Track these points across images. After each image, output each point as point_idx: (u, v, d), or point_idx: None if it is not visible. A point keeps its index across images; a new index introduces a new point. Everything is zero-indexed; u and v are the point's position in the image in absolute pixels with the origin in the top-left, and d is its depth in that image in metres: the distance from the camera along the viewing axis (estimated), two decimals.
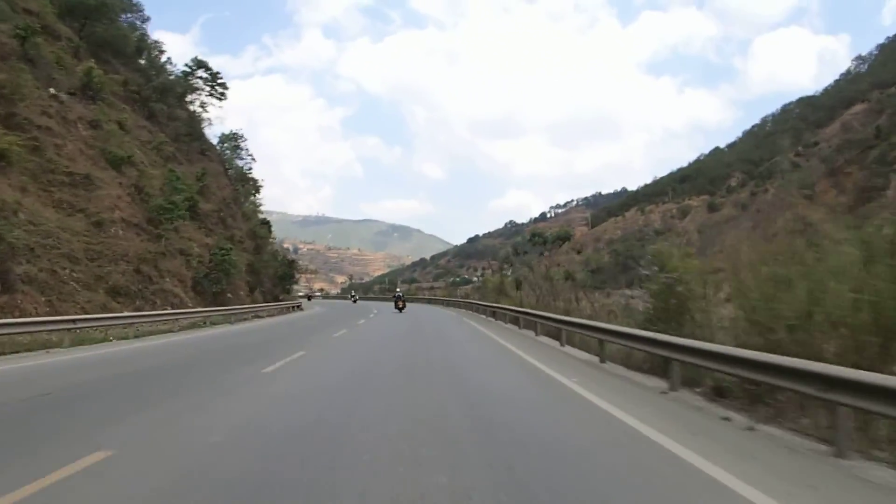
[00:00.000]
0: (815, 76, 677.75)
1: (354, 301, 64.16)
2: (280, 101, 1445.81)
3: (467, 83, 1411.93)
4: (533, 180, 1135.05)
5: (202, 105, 33.55)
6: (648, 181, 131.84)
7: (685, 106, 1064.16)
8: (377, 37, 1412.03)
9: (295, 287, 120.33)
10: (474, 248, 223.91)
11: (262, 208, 44.66)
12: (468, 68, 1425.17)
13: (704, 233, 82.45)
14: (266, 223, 44.99)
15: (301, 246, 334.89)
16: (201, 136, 33.06)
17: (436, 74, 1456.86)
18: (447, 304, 44.43)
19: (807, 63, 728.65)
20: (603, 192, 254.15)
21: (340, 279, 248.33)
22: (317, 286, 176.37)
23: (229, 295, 26.67)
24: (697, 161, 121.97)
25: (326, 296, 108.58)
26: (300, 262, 62.10)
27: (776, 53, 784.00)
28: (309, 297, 75.75)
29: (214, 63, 34.90)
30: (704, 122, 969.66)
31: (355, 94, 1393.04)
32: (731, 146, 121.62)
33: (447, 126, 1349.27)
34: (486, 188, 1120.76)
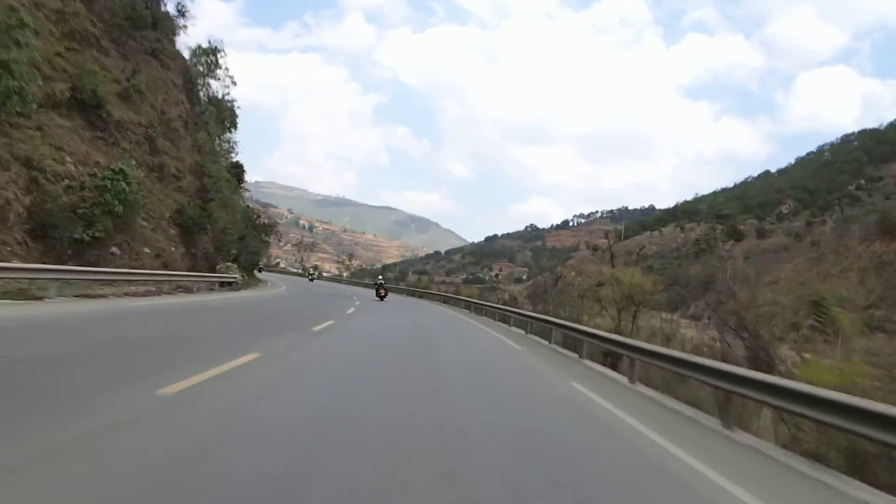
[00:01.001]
0: (857, 119, 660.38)
1: (311, 279, 61.62)
2: (314, 81, 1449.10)
3: (502, 85, 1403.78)
4: (556, 189, 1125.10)
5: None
6: (679, 201, 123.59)
7: (720, 134, 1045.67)
8: (419, 27, 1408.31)
9: (275, 260, 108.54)
10: (491, 248, 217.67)
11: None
12: (505, 70, 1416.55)
13: (752, 259, 74.54)
14: (238, 168, 36.20)
15: (317, 224, 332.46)
16: (160, 39, 24.64)
17: (472, 72, 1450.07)
18: (457, 304, 34.75)
19: (850, 105, 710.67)
20: (630, 207, 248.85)
21: (353, 263, 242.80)
22: (326, 266, 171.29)
23: (114, 250, 17.29)
24: (745, 182, 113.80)
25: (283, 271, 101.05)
26: (277, 224, 48.89)
27: (819, 91, 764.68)
28: (260, 269, 69.50)
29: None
30: (737, 152, 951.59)
31: (390, 82, 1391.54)
32: (782, 172, 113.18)
33: (477, 125, 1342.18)
34: (508, 192, 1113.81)
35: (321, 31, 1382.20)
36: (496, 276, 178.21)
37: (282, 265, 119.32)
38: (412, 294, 45.88)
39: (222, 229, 27.33)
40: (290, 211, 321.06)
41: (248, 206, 40.07)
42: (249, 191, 42.58)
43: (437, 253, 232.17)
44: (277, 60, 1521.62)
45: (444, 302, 36.16)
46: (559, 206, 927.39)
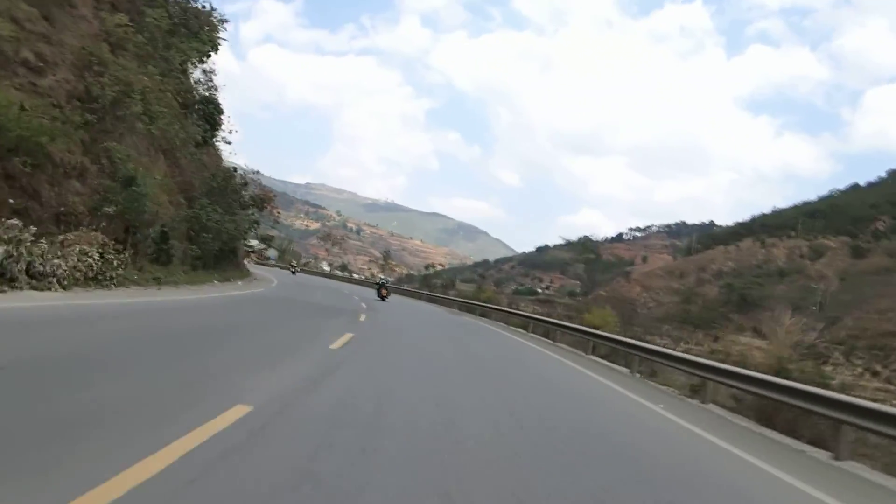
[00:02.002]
0: None
1: (294, 272, 62.78)
2: (369, 83, 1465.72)
3: (557, 93, 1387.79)
4: (607, 202, 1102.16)
5: None
6: (738, 220, 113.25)
7: (781, 150, 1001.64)
8: (475, 32, 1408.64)
9: (264, 249, 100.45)
10: (541, 259, 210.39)
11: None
12: (560, 78, 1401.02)
13: (851, 281, 65.18)
14: (212, 106, 27.72)
15: (365, 228, 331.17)
16: None
17: (526, 79, 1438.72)
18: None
19: None
20: (687, 222, 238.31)
21: (397, 268, 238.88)
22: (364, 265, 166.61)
23: None
24: (830, 196, 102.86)
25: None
26: (275, 197, 38.14)
27: (890, 109, 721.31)
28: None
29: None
30: (799, 169, 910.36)
31: (443, 87, 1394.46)
32: (873, 185, 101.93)
33: (530, 133, 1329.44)
34: (559, 202, 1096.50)
35: (377, 34, 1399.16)
36: (547, 288, 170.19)
37: (324, 266, 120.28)
38: (467, 309, 33.45)
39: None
40: (338, 213, 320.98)
41: (231, 170, 30.42)
42: (231, 143, 32.43)
43: (485, 261, 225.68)
44: (333, 62, 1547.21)
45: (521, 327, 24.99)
46: (609, 218, 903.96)
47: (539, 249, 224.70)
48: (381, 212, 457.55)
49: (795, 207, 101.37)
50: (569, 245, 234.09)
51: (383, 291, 30.53)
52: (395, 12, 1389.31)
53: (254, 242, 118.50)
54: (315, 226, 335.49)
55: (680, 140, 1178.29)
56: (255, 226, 27.57)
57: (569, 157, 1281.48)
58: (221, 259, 25.69)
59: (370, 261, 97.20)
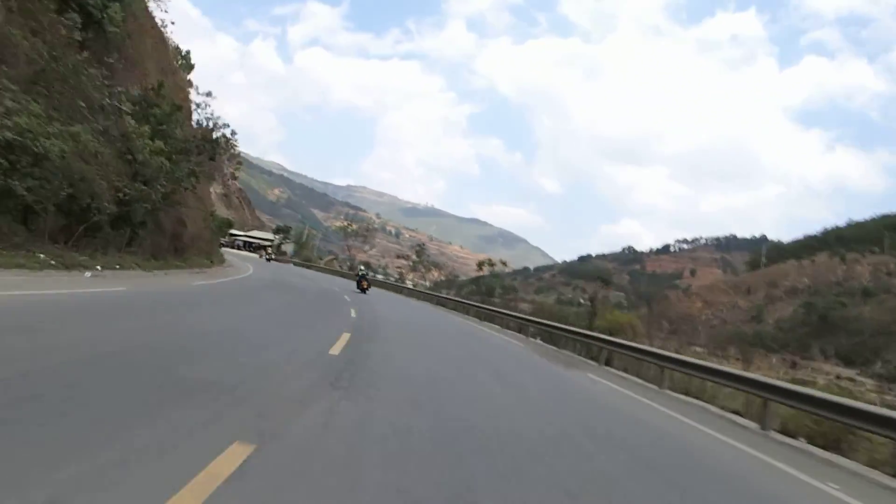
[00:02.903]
0: None
1: (268, 260, 63.06)
2: (412, 87, 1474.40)
3: (601, 100, 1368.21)
4: (649, 212, 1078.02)
5: None
6: (830, 226, 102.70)
7: (832, 164, 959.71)
8: (519, 38, 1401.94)
9: (279, 244, 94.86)
10: (583, 268, 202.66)
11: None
12: (605, 85, 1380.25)
13: None
14: (187, 60, 25.27)
15: (404, 231, 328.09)
16: None
17: (571, 86, 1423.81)
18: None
19: None
20: (738, 236, 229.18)
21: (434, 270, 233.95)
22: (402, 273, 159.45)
23: None
24: None
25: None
26: (235, 147, 35.14)
27: None
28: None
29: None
30: (851, 184, 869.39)
31: (486, 92, 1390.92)
32: None
33: (572, 140, 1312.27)
34: (600, 211, 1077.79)
35: (422, 39, 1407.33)
36: (590, 299, 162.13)
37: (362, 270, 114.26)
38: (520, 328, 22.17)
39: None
40: (377, 215, 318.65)
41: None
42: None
43: (525, 269, 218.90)
44: (377, 66, 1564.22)
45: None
46: (650, 229, 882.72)
47: (581, 258, 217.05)
48: (420, 216, 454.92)
49: (875, 220, 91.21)
50: (612, 255, 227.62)
51: (364, 284, 29.25)
52: (441, 17, 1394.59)
53: (271, 236, 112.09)
54: (354, 228, 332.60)
55: (726, 151, 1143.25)
56: (194, 179, 20.01)
57: (611, 166, 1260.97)
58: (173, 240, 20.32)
59: (404, 262, 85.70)
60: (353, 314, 13.90)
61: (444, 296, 37.80)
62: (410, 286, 53.37)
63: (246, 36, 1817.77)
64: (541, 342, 18.82)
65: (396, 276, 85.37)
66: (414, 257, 76.64)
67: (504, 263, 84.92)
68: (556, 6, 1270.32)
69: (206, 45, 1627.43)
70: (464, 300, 32.66)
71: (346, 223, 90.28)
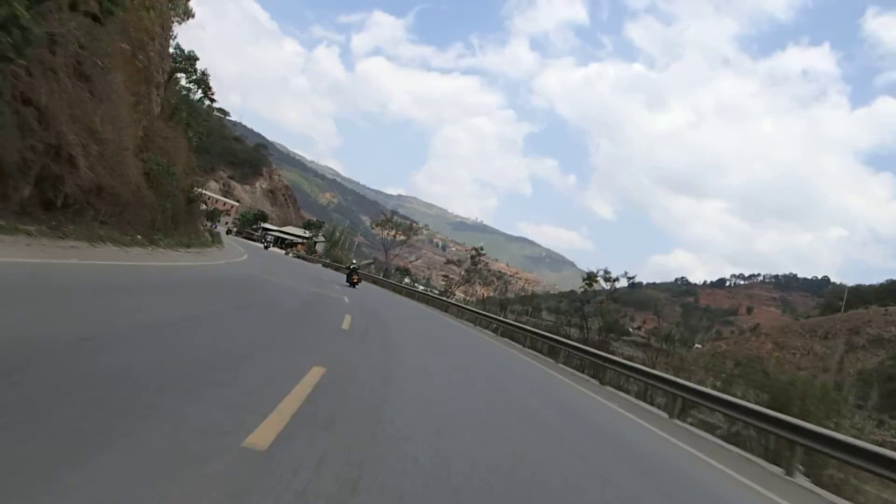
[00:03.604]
0: None
1: (266, 248, 63.57)
2: (470, 103, 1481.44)
3: (662, 128, 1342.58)
4: (703, 245, 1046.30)
5: None
6: (860, 279, 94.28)
7: None
8: (583, 60, 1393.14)
9: (309, 240, 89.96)
10: (634, 296, 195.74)
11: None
12: (667, 113, 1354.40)
13: None
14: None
15: (451, 245, 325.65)
16: None
17: (631, 112, 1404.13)
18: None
19: None
20: (798, 275, 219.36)
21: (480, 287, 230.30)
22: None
23: None
24: None
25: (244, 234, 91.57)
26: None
27: None
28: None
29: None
30: None
31: (545, 112, 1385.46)
32: None
33: (629, 167, 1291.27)
34: (652, 240, 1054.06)
35: (484, 55, 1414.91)
36: (639, 328, 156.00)
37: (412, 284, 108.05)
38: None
39: None
40: (426, 227, 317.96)
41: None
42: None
43: (571, 292, 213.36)
44: (437, 79, 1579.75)
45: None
46: (703, 263, 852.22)
47: (631, 285, 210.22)
48: (468, 231, 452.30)
49: None
50: (664, 285, 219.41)
51: (354, 278, 29.51)
52: (505, 34, 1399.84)
53: (306, 233, 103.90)
54: (402, 236, 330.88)
55: (788, 189, 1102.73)
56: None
57: (667, 195, 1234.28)
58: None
59: (455, 270, 71.27)
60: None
61: (507, 321, 27.14)
62: (458, 302, 42.49)
63: (311, 41, 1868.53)
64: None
65: (440, 288, 72.65)
66: (468, 264, 62.77)
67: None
68: (622, 30, 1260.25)
69: (273, 48, 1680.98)
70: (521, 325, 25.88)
71: (385, 217, 77.02)
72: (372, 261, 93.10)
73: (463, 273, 63.02)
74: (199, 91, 45.57)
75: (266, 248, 66.07)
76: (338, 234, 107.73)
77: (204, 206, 58.23)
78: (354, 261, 37.94)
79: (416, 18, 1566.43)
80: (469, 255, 62.48)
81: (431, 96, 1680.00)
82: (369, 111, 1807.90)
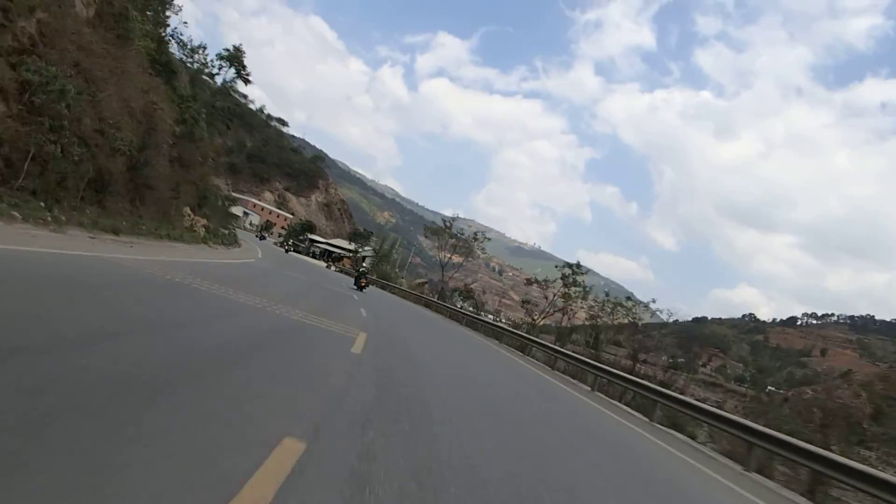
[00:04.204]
0: None
1: (287, 251, 62.18)
2: (532, 126, 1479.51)
3: (728, 158, 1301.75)
4: (770, 281, 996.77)
5: None
6: None
7: None
8: (648, 86, 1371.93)
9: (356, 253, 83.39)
10: (699, 331, 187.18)
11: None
12: (734, 142, 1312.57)
13: None
14: None
15: (507, 270, 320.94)
16: None
17: (697, 140, 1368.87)
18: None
19: None
20: (876, 317, 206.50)
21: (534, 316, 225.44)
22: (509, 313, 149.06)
23: None
24: None
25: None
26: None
27: None
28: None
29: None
30: None
31: (608, 137, 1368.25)
32: None
33: (693, 197, 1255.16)
34: (715, 274, 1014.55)
35: (548, 78, 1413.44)
36: (704, 365, 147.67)
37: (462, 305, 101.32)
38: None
39: None
40: (483, 250, 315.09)
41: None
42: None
43: (632, 324, 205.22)
44: (500, 101, 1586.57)
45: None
46: (770, 299, 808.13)
47: (696, 320, 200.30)
48: (525, 257, 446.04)
49: None
50: (731, 321, 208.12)
51: (362, 282, 29.78)
52: (570, 57, 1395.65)
53: (347, 244, 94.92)
54: (458, 259, 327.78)
55: (863, 226, 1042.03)
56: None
57: (733, 228, 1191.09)
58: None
59: (536, 295, 49.43)
60: None
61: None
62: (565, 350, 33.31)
63: (376, 61, 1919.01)
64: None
65: (508, 318, 63.29)
66: (558, 286, 45.09)
67: None
68: (690, 56, 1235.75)
69: (339, 67, 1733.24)
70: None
71: (442, 226, 62.08)
72: (426, 281, 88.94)
73: (554, 295, 45.68)
74: (231, 69, 40.33)
75: (286, 251, 64.08)
76: (387, 245, 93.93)
77: (228, 207, 56.59)
78: (364, 265, 39.85)
79: (481, 40, 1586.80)
80: (562, 273, 44.88)
81: (493, 118, 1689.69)
82: (431, 131, 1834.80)
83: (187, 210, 25.18)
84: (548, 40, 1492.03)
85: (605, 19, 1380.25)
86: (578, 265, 47.38)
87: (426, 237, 56.21)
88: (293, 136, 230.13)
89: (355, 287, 29.15)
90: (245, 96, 41.18)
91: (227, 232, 34.44)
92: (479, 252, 65.90)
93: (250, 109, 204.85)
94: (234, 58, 39.61)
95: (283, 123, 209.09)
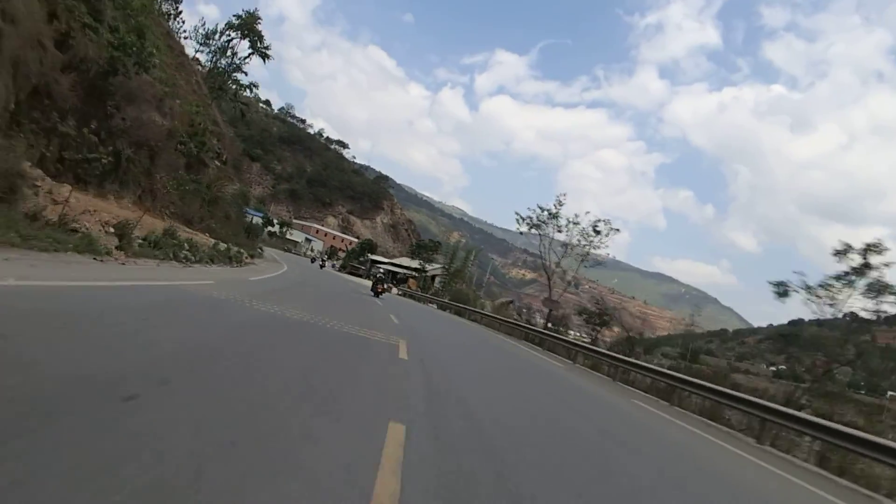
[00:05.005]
0: None
1: (322, 266, 57.59)
2: (597, 136, 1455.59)
3: (807, 152, 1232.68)
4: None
5: None
6: None
7: None
8: (716, 84, 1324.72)
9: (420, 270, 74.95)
10: (796, 335, 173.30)
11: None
12: (812, 136, 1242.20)
13: None
14: None
15: (584, 282, 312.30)
16: None
17: (773, 136, 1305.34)
18: None
19: None
20: None
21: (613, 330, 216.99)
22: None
23: None
24: None
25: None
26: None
27: None
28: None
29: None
30: None
31: (677, 141, 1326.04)
32: None
33: (772, 195, 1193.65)
34: (801, 272, 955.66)
35: (610, 86, 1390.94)
36: (807, 370, 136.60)
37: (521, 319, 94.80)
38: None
39: None
40: (557, 264, 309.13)
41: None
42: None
43: (722, 331, 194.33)
44: (562, 114, 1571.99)
45: None
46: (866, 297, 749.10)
47: (792, 323, 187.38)
48: (600, 268, 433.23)
49: None
50: (831, 322, 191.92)
51: (379, 288, 29.73)
52: (631, 63, 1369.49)
53: (406, 261, 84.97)
54: (531, 275, 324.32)
55: None
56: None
57: (817, 225, 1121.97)
58: None
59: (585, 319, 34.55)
60: None
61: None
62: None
63: (436, 84, 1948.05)
64: None
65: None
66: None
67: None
68: (758, 51, 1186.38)
69: (400, 94, 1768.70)
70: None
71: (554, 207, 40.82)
72: (510, 300, 74.40)
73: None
74: (247, 43, 32.40)
75: (321, 267, 56.90)
76: (459, 260, 70.29)
77: (285, 233, 54.08)
78: (381, 270, 38.75)
79: (539, 54, 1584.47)
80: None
81: (556, 131, 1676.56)
82: (494, 149, 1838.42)
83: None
84: (607, 48, 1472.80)
85: (666, 21, 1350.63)
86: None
87: (519, 232, 34.11)
88: (362, 167, 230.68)
89: (372, 293, 29.14)
90: (303, 121, 38.94)
91: (237, 250, 26.57)
92: (605, 251, 41.60)
93: (309, 134, 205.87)
94: (247, 26, 32.01)
95: (344, 146, 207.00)
